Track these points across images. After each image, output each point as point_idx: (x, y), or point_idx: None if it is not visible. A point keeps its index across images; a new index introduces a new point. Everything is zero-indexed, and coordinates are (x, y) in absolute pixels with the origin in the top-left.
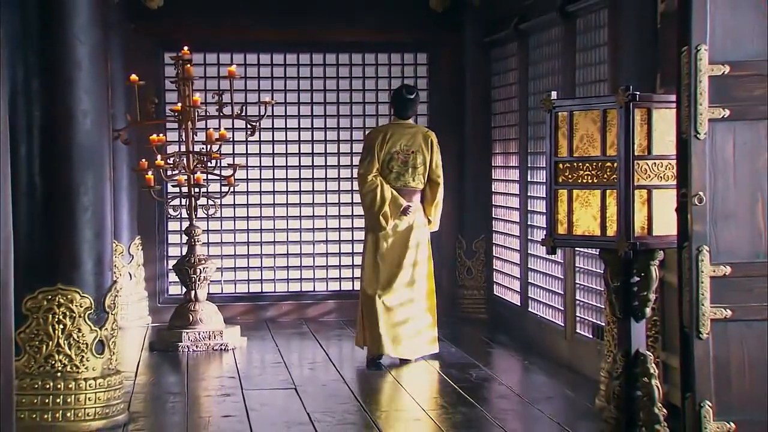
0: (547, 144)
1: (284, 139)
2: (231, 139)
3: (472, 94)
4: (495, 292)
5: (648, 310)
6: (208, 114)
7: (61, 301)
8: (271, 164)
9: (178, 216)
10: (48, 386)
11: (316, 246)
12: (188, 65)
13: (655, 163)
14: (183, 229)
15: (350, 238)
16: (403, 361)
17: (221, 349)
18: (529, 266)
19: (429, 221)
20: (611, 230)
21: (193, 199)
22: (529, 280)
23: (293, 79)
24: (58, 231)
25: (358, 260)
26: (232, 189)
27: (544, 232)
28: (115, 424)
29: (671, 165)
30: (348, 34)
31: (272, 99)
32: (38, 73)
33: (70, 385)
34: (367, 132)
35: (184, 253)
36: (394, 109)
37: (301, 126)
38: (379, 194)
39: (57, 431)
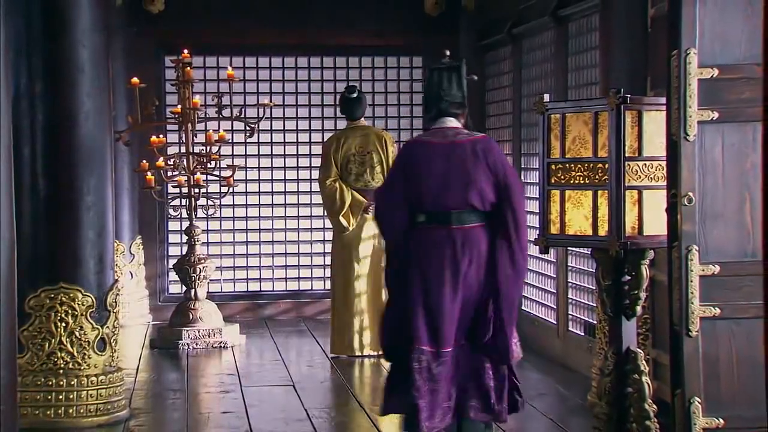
0: (540, 145)
1: (282, 140)
2: (230, 141)
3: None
4: None
5: (639, 309)
6: (207, 116)
7: (64, 299)
8: (270, 165)
9: (178, 216)
10: (50, 383)
11: (314, 246)
12: (188, 68)
13: (645, 164)
14: (183, 228)
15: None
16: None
17: (221, 346)
18: None
19: None
20: (603, 230)
21: (192, 199)
22: None
23: (291, 82)
24: (60, 231)
25: None
26: (231, 189)
27: (537, 232)
28: (116, 421)
29: (661, 166)
30: (345, 37)
31: (271, 101)
32: (41, 77)
33: (72, 382)
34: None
35: (184, 253)
36: (344, 113)
37: (299, 128)
38: (339, 197)
39: (59, 427)
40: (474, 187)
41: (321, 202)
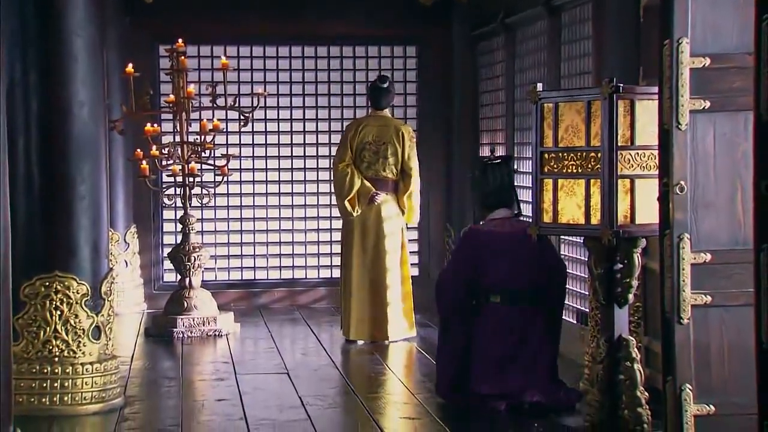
0: (533, 135)
1: (276, 129)
2: (224, 130)
3: (460, 86)
4: None
5: (631, 297)
6: (201, 105)
7: (59, 287)
8: (264, 154)
9: (173, 205)
10: (46, 371)
11: (308, 234)
12: (182, 57)
13: (637, 153)
14: (177, 217)
15: (340, 227)
16: (384, 345)
17: (215, 334)
18: None
19: (403, 212)
20: (595, 219)
21: (187, 188)
22: None
23: (285, 71)
24: (55, 220)
25: None
26: (225, 178)
27: (530, 221)
28: (111, 408)
29: (653, 155)
30: (339, 27)
31: (265, 90)
32: (36, 66)
33: (67, 370)
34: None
35: (178, 241)
36: (370, 101)
37: (293, 117)
38: (348, 181)
39: (55, 414)
40: (535, 271)
41: (316, 190)
